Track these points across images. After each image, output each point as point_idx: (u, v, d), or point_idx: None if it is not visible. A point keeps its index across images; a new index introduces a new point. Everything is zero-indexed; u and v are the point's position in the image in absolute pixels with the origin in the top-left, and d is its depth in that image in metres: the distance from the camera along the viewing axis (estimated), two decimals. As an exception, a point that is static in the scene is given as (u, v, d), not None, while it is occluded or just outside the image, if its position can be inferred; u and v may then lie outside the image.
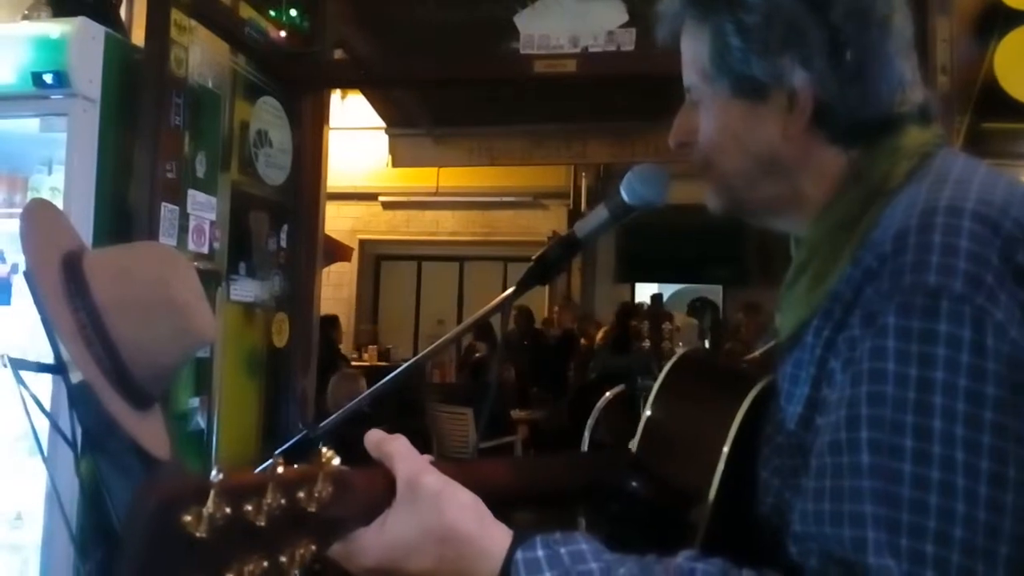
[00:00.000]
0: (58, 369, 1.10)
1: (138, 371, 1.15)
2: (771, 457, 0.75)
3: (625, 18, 3.08)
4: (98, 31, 2.36)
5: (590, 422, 1.91)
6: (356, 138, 7.53)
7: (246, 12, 3.02)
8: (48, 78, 2.28)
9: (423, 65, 3.25)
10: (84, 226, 2.27)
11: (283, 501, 0.56)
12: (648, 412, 0.91)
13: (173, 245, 2.47)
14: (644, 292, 8.31)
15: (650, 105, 4.98)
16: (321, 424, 1.16)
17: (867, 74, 0.72)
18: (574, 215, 8.10)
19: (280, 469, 0.57)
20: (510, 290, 1.14)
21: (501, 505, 0.68)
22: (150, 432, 1.20)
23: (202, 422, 2.69)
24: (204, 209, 2.67)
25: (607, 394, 2.05)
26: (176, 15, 2.46)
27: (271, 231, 3.21)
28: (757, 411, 0.80)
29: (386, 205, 8.89)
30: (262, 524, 0.54)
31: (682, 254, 7.00)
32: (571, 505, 1.09)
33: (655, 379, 0.95)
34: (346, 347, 7.66)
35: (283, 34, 3.15)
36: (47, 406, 2.32)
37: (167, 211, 2.46)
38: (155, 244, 2.29)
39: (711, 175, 0.81)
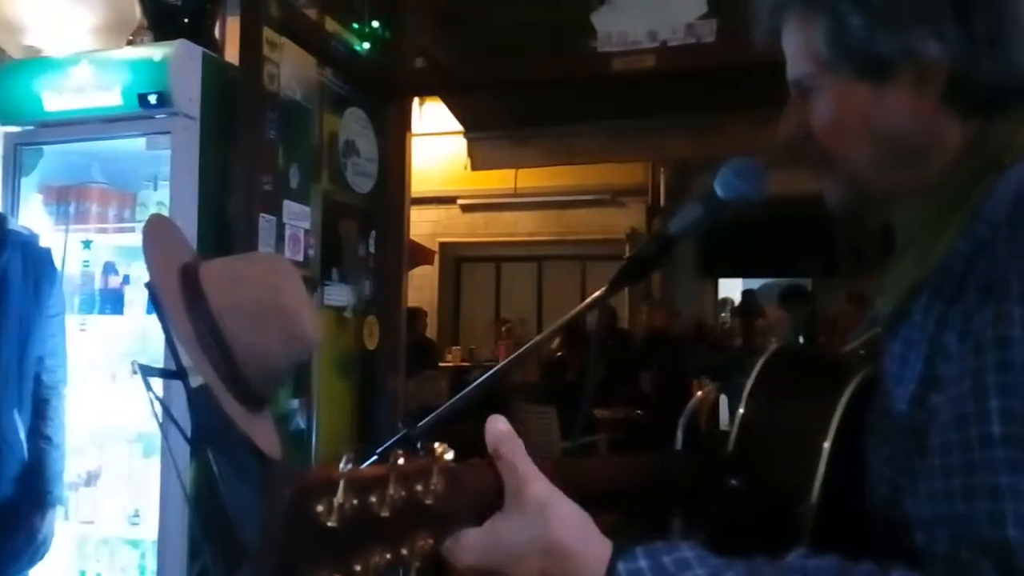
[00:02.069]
0: (179, 374, 1.17)
1: (251, 375, 1.20)
2: (880, 446, 0.73)
3: (704, 9, 3.02)
4: (196, 52, 2.49)
5: (682, 420, 1.89)
6: (433, 143, 7.66)
7: (331, 26, 3.12)
8: (152, 99, 2.42)
9: (502, 68, 3.28)
10: (188, 238, 2.40)
11: (403, 493, 0.58)
12: (742, 409, 0.89)
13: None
14: (727, 288, 8.14)
15: (731, 96, 4.88)
16: (419, 423, 1.19)
17: (1001, 40, 0.69)
18: (653, 212, 8.00)
19: (401, 461, 0.59)
20: (602, 290, 1.14)
21: (595, 504, 0.68)
22: (263, 432, 1.25)
23: (302, 422, 2.79)
24: (299, 219, 2.77)
25: (699, 393, 2.02)
26: (267, 33, 2.56)
27: (360, 237, 3.31)
28: (858, 402, 0.78)
29: (465, 208, 9.00)
30: (386, 515, 0.56)
31: (768, 246, 6.78)
32: (665, 505, 1.08)
33: (748, 376, 0.93)
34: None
35: (366, 45, 3.24)
36: (159, 410, 2.46)
37: (265, 222, 2.56)
38: (264, 253, 2.40)
39: (831, 168, 0.78)
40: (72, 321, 2.43)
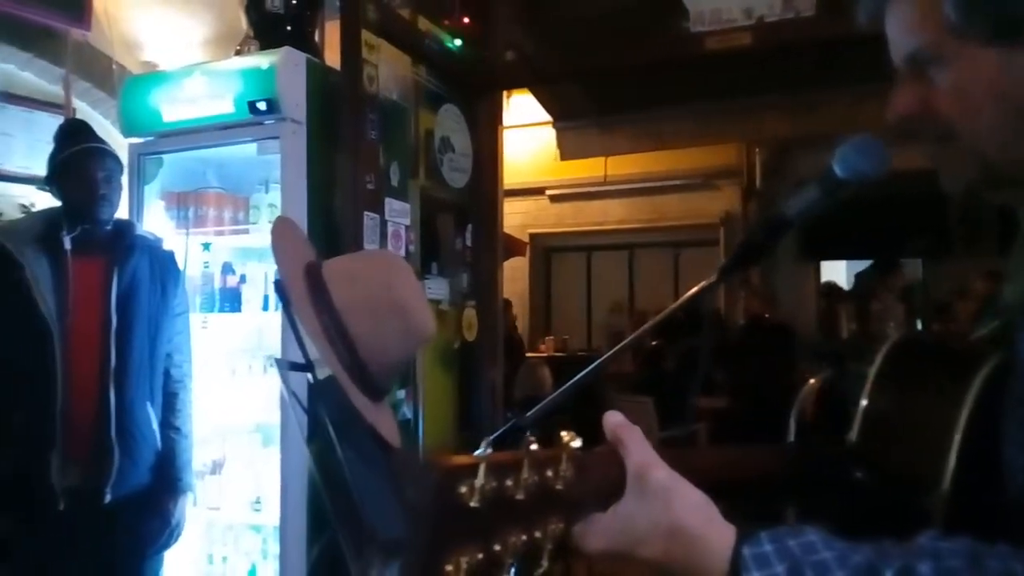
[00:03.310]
0: (307, 367, 1.23)
1: (372, 367, 1.25)
2: (1018, 433, 0.70)
3: (803, -19, 2.91)
4: (300, 58, 2.59)
5: (795, 410, 1.84)
6: (520, 135, 7.68)
7: (424, 25, 3.18)
8: (261, 105, 2.54)
9: (593, 57, 3.26)
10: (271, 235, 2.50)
11: (536, 478, 0.60)
12: (865, 400, 0.87)
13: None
14: (830, 271, 7.82)
15: (830, 71, 4.67)
16: (527, 413, 1.21)
17: None
18: (749, 194, 7.76)
19: (534, 446, 0.61)
20: (712, 277, 1.12)
21: (709, 494, 0.68)
22: (383, 421, 1.30)
23: (408, 412, 2.87)
24: (400, 215, 2.85)
25: (811, 381, 1.96)
26: (365, 35, 2.63)
27: (456, 231, 3.37)
28: (991, 390, 0.74)
29: (553, 198, 8.99)
30: (521, 498, 0.58)
31: (873, 227, 6.44)
32: (776, 497, 1.06)
33: (868, 364, 0.91)
34: (524, 339, 7.83)
35: (458, 42, 3.29)
36: (274, 402, 2.59)
37: (369, 219, 2.65)
38: (379, 251, 2.48)
39: (953, 145, 0.74)
40: (195, 319, 2.58)
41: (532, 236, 9.08)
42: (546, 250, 9.61)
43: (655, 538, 0.63)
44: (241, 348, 2.92)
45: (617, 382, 5.31)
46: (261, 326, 2.93)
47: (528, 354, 6.90)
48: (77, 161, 2.26)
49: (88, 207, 2.24)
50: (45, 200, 3.18)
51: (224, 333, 2.83)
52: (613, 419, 0.68)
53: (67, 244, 2.20)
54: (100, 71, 3.46)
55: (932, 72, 0.74)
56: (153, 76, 2.95)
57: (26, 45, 3.21)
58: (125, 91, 2.86)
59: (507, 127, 4.14)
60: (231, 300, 2.76)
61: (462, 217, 3.39)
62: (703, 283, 1.08)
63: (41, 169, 3.24)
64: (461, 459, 0.57)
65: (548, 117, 6.52)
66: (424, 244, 3.11)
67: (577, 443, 0.63)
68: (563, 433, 0.63)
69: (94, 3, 3.22)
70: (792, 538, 0.61)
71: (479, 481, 0.56)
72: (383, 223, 2.76)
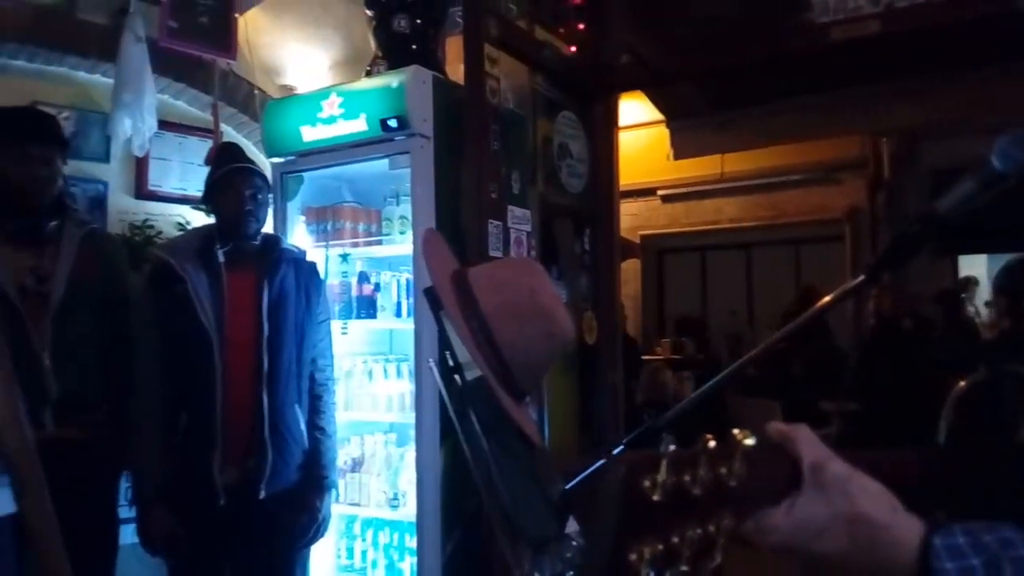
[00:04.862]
0: (457, 369, 1.29)
1: (515, 369, 1.30)
2: None
3: (934, -39, 2.77)
4: (427, 75, 2.70)
5: (946, 412, 1.76)
6: (628, 136, 7.62)
7: (540, 34, 3.24)
8: (392, 123, 2.66)
9: (712, 55, 3.22)
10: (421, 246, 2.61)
11: (712, 474, 0.63)
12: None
13: (499, 257, 2.74)
14: (968, 266, 7.32)
15: (967, 55, 4.39)
16: (661, 415, 1.22)
17: None
18: (876, 187, 7.38)
19: (711, 444, 0.64)
20: (859, 277, 1.10)
21: None
22: (527, 421, 1.35)
23: (534, 414, 2.94)
24: (521, 222, 2.92)
25: (961, 383, 1.87)
26: (487, 49, 2.71)
27: (574, 236, 3.40)
28: None
29: (665, 198, 8.86)
30: (697, 493, 0.61)
31: (1017, 218, 6.00)
32: (927, 500, 1.03)
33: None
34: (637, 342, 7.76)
35: (573, 49, 3.33)
36: (408, 403, 2.71)
37: (492, 227, 2.72)
38: (522, 259, 2.56)
39: None
40: (335, 325, 2.74)
41: (643, 237, 8.99)
42: (658, 251, 9.48)
43: (837, 530, 0.64)
44: (375, 352, 3.08)
45: (740, 385, 5.18)
46: (392, 331, 3.07)
47: (643, 357, 6.84)
48: (227, 181, 2.43)
49: (238, 223, 2.41)
50: (199, 218, 3.47)
51: (360, 338, 2.99)
52: (776, 425, 0.70)
53: (221, 258, 2.38)
54: (243, 97, 3.73)
55: None
56: (292, 99, 3.15)
57: (179, 76, 3.51)
58: (267, 114, 3.07)
59: (621, 128, 4.14)
60: (367, 307, 2.91)
61: (580, 222, 3.42)
62: (852, 282, 1.07)
63: (193, 189, 3.56)
64: (646, 455, 0.61)
65: (656, 116, 6.44)
66: (543, 249, 3.16)
67: (750, 441, 0.65)
68: (735, 431, 0.66)
69: (237, 34, 3.48)
70: (988, 533, 0.61)
71: (661, 476, 0.60)
72: (505, 230, 2.83)
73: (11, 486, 1.87)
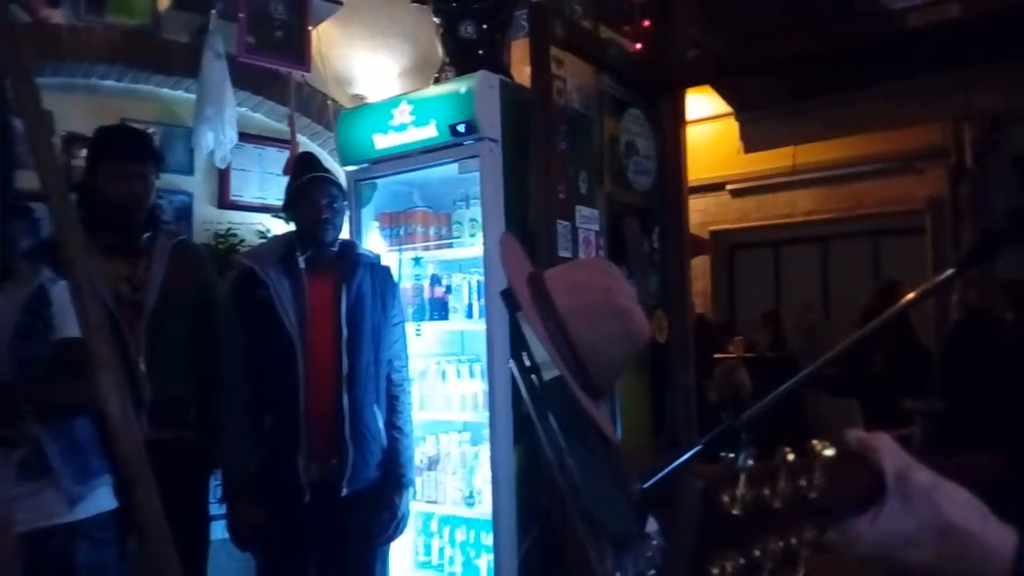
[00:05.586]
0: (534, 369, 1.32)
1: (592, 369, 1.32)
2: None
3: (1019, -61, 2.65)
4: (494, 80, 2.74)
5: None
6: (695, 131, 7.51)
7: (605, 33, 3.24)
8: (461, 128, 2.71)
9: (783, 46, 3.15)
10: (498, 249, 2.65)
11: (791, 486, 0.63)
12: None
13: (568, 258, 2.75)
14: (1061, 254, 6.95)
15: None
16: (739, 415, 1.21)
17: None
18: (958, 176, 7.07)
19: (790, 456, 0.64)
20: (948, 271, 1.07)
21: None
22: (603, 420, 1.36)
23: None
24: (589, 222, 2.92)
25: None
26: (553, 51, 2.73)
27: (643, 234, 3.38)
28: None
29: (735, 193, 8.69)
30: (778, 506, 0.62)
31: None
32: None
33: None
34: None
35: (639, 46, 3.31)
36: (481, 403, 2.75)
37: (561, 228, 2.74)
38: (597, 260, 2.58)
39: None
40: (409, 327, 2.80)
41: (713, 233, 8.84)
42: (728, 247, 9.31)
43: (926, 540, 0.63)
44: (448, 353, 3.13)
45: (817, 383, 5.04)
46: (463, 332, 3.12)
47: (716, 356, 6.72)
48: (305, 190, 2.52)
49: (316, 231, 2.50)
50: (278, 226, 3.59)
51: (433, 339, 3.04)
52: (855, 433, 0.69)
53: (302, 264, 2.47)
54: (317, 107, 3.85)
55: None
56: (364, 108, 3.24)
57: (256, 89, 3.65)
58: (340, 124, 3.16)
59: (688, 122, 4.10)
60: (439, 309, 2.97)
61: (648, 219, 3.40)
62: (941, 276, 1.04)
63: (272, 198, 3.69)
64: (723, 469, 0.62)
65: (723, 110, 6.34)
66: (612, 248, 3.15)
67: (829, 451, 0.65)
68: (814, 442, 0.66)
69: (311, 46, 3.59)
70: None
71: (740, 490, 0.60)
72: (574, 230, 2.84)
73: (112, 484, 1.99)
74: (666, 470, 1.05)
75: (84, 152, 2.64)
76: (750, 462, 0.62)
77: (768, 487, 0.62)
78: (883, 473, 0.66)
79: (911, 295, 1.17)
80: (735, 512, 0.61)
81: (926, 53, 4.40)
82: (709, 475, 0.62)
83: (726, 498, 0.61)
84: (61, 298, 1.86)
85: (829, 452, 0.65)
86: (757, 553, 0.62)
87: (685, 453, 1.07)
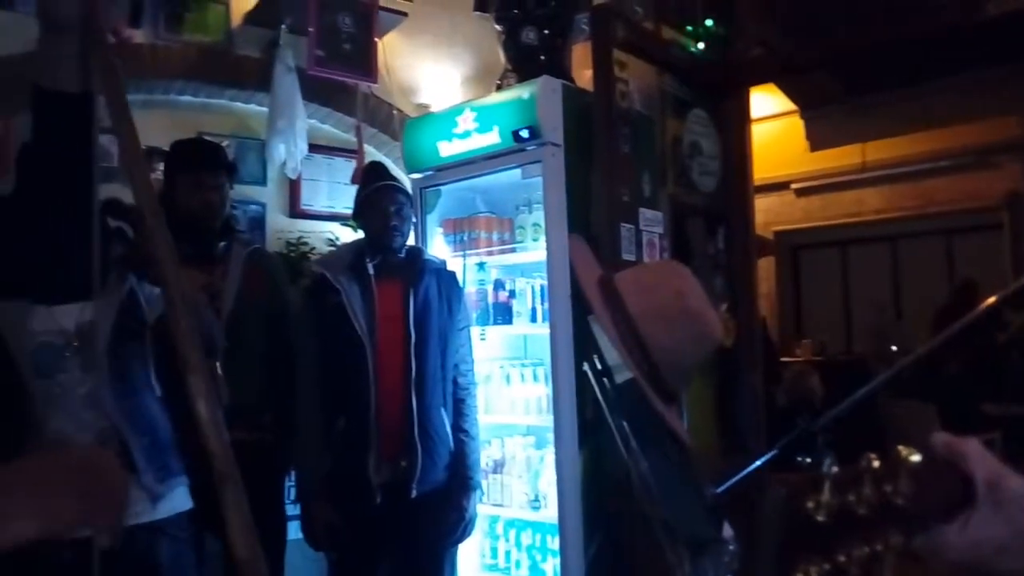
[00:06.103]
0: (606, 372, 1.33)
1: (664, 371, 1.32)
2: None
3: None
4: (556, 85, 2.75)
5: None
6: (758, 129, 7.36)
7: (667, 34, 3.22)
8: (524, 134, 2.73)
9: (850, 37, 3.08)
10: (562, 253, 2.66)
11: (876, 493, 0.62)
12: None
13: (633, 261, 2.74)
14: None
15: None
16: (818, 420, 1.20)
17: None
18: (1039, 169, 6.76)
19: (875, 463, 0.63)
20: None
21: None
22: (676, 422, 1.36)
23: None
24: (653, 224, 2.90)
25: None
26: (616, 54, 2.73)
27: (708, 235, 3.34)
28: None
29: (799, 192, 8.49)
30: (863, 512, 0.61)
31: None
32: None
33: None
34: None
35: (702, 46, 3.28)
36: (545, 406, 2.76)
37: (625, 230, 2.73)
38: (668, 262, 2.56)
39: None
40: (474, 332, 2.83)
41: (777, 234, 8.65)
42: (793, 247, 9.10)
43: (1021, 548, 0.62)
44: (512, 357, 3.15)
45: (892, 387, 4.88)
46: (527, 336, 3.13)
47: (782, 359, 6.58)
48: (374, 199, 2.58)
49: (384, 238, 2.55)
50: (347, 234, 3.68)
51: (498, 343, 3.07)
52: (942, 437, 0.68)
53: (371, 270, 2.53)
54: (383, 117, 3.93)
55: None
56: (428, 117, 3.29)
57: (325, 101, 3.75)
58: (406, 132, 3.22)
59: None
60: (503, 313, 2.99)
61: (712, 220, 3.36)
62: (1025, 277, 1.01)
63: (341, 207, 3.78)
64: (809, 476, 0.62)
65: (786, 107, 6.20)
66: (676, 250, 3.13)
67: (916, 457, 0.64)
68: (900, 448, 0.65)
69: (377, 57, 3.67)
70: None
71: (824, 497, 0.60)
72: (638, 233, 2.83)
73: (187, 486, 2.06)
74: (741, 474, 1.05)
75: (161, 165, 2.75)
76: (834, 468, 0.62)
77: (853, 493, 0.62)
78: (973, 480, 0.65)
79: (992, 299, 1.14)
80: (820, 518, 0.61)
81: (999, 42, 4.23)
82: (792, 481, 0.62)
83: (810, 504, 0.61)
84: (149, 301, 1.94)
85: (915, 458, 0.64)
86: (842, 559, 0.62)
87: (757, 457, 1.07)
